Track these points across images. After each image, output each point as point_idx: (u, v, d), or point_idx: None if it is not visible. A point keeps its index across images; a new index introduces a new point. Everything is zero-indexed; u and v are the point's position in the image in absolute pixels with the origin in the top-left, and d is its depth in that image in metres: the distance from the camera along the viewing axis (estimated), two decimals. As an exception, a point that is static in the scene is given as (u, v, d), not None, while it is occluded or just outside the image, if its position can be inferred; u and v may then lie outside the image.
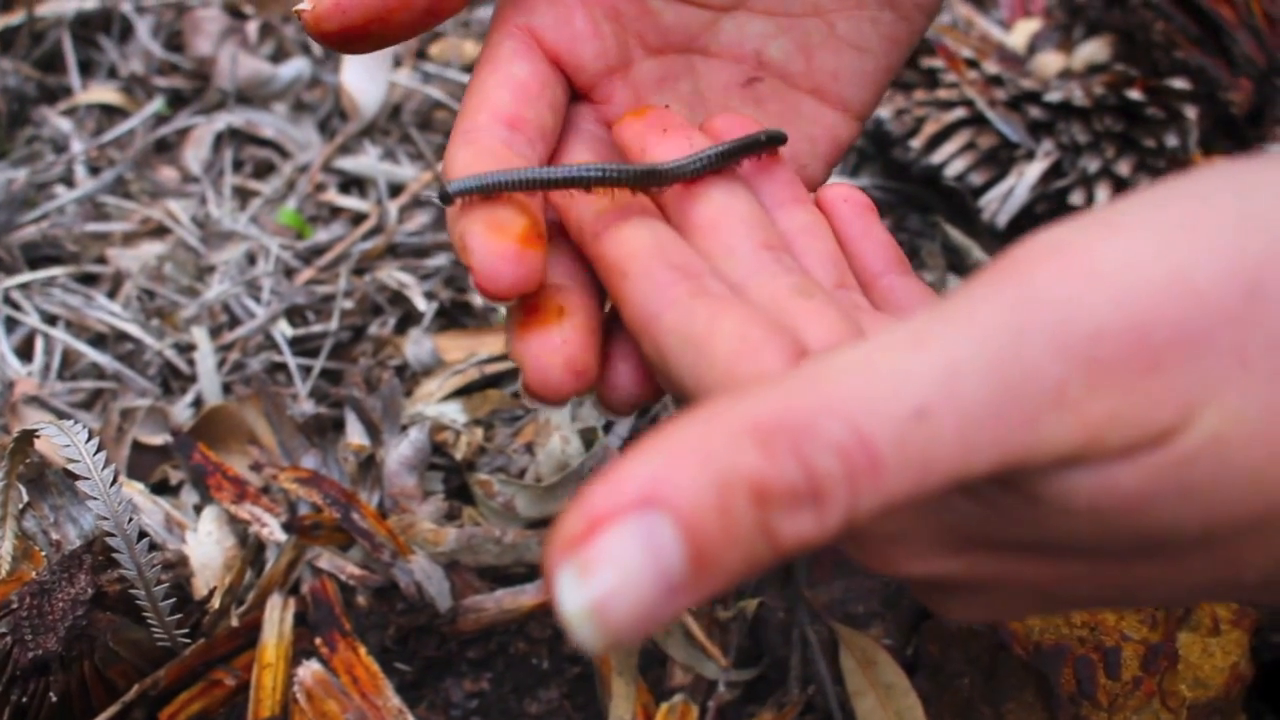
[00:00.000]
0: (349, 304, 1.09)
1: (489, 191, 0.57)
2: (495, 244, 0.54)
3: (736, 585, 0.47)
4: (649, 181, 0.59)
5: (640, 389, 0.58)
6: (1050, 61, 1.21)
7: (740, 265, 0.55)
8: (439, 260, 1.13)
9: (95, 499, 0.76)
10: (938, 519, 0.45)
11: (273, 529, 0.88)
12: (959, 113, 1.10)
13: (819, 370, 0.40)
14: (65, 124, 1.25)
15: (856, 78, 0.70)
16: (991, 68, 1.13)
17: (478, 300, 1.09)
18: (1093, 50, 1.21)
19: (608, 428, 0.98)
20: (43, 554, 0.80)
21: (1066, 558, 0.45)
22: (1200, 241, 0.40)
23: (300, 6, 0.59)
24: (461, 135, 0.61)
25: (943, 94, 1.12)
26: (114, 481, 0.76)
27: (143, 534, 0.77)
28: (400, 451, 0.91)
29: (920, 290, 0.61)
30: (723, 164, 0.60)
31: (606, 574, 0.35)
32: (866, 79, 0.70)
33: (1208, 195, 0.41)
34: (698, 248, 0.56)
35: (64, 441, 0.77)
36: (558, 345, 0.55)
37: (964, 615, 0.50)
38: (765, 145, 0.62)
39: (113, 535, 0.75)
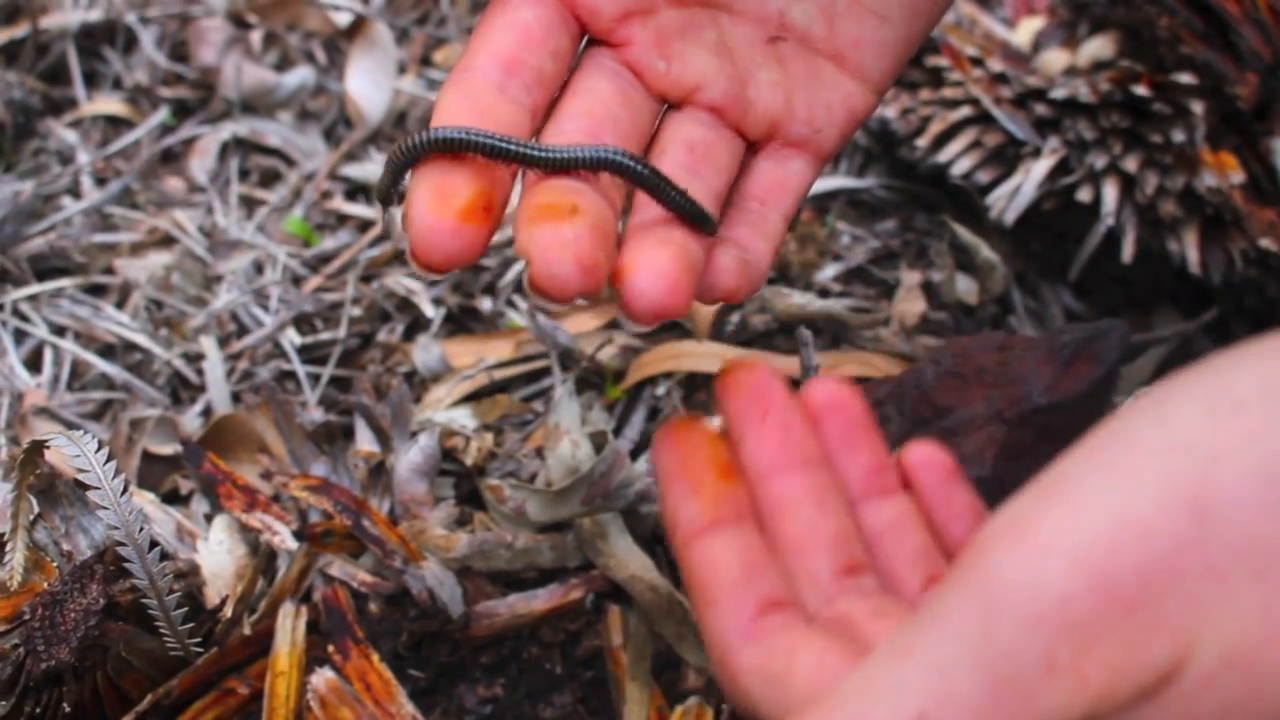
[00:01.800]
0: (357, 311, 1.09)
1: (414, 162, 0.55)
2: (434, 216, 0.53)
3: None
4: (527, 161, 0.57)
5: (666, 298, 0.56)
6: (1055, 59, 1.21)
7: (821, 592, 0.55)
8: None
9: (106, 509, 0.76)
10: None
11: (284, 537, 0.88)
12: (965, 111, 1.10)
13: (834, 696, 0.43)
14: (71, 136, 1.25)
15: (877, 47, 0.68)
16: (996, 65, 1.13)
17: (486, 305, 1.09)
18: (1098, 47, 1.21)
19: (618, 431, 0.98)
20: (54, 565, 0.80)
21: None
22: (1134, 481, 0.41)
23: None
24: (456, 74, 0.60)
25: (948, 92, 1.12)
26: (124, 491, 0.76)
27: (154, 543, 0.76)
28: (410, 458, 0.91)
29: None
30: (645, 184, 0.59)
31: None
32: (887, 49, 0.69)
33: (1135, 434, 0.43)
34: (780, 562, 0.55)
35: (74, 452, 0.77)
36: (568, 239, 0.54)
37: None
38: (690, 214, 0.60)
39: (124, 545, 0.75)
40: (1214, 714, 0.41)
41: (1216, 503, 0.40)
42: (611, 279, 0.56)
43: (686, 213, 0.60)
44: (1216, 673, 0.40)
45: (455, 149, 0.55)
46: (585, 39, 0.66)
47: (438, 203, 0.54)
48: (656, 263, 0.56)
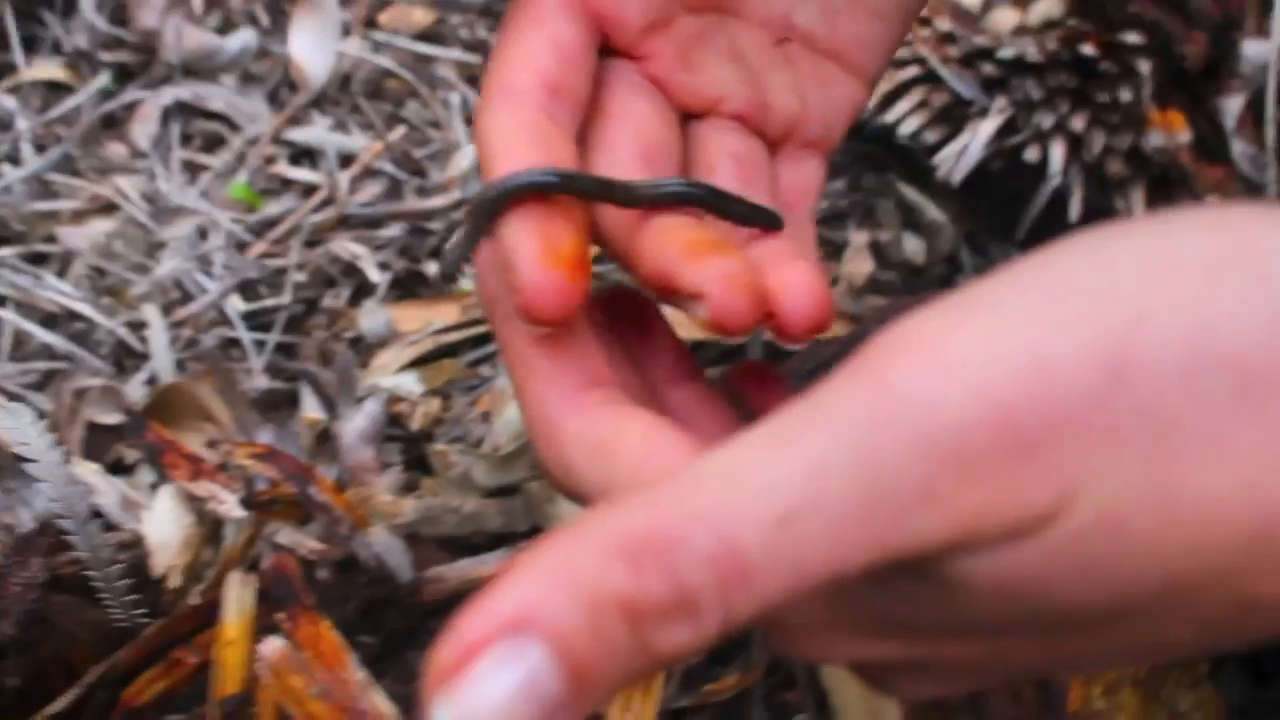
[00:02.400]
0: (302, 277, 1.08)
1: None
2: (546, 274, 0.52)
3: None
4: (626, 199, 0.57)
5: (820, 312, 0.56)
6: (1006, 18, 1.21)
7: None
8: (392, 231, 1.12)
9: (46, 481, 0.75)
10: (854, 608, 0.45)
11: (230, 506, 0.87)
12: (911, 71, 1.10)
13: (686, 479, 0.40)
14: (10, 102, 1.23)
15: (874, 45, 0.69)
16: (944, 25, 1.13)
17: (432, 270, 1.09)
18: (1048, 6, 1.20)
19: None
20: (-5, 537, 0.79)
21: (991, 637, 0.45)
22: (1058, 320, 0.40)
23: None
24: (501, 93, 0.59)
25: (896, 52, 1.11)
26: (65, 463, 0.76)
27: (97, 514, 0.76)
28: (356, 424, 0.91)
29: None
30: (726, 213, 0.60)
31: (480, 701, 0.35)
32: (881, 45, 0.69)
33: (1066, 272, 0.41)
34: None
35: (11, 424, 0.76)
36: (737, 272, 0.54)
37: (915, 693, 0.51)
38: (762, 220, 0.61)
39: (65, 517, 0.75)
40: (1073, 569, 0.40)
41: (1135, 365, 0.39)
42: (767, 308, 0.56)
43: (759, 221, 0.61)
44: (1086, 530, 0.39)
45: (552, 191, 0.54)
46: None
47: (547, 257, 0.53)
48: (802, 280, 0.56)
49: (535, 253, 0.53)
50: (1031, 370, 0.39)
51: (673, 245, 0.55)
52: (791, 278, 0.56)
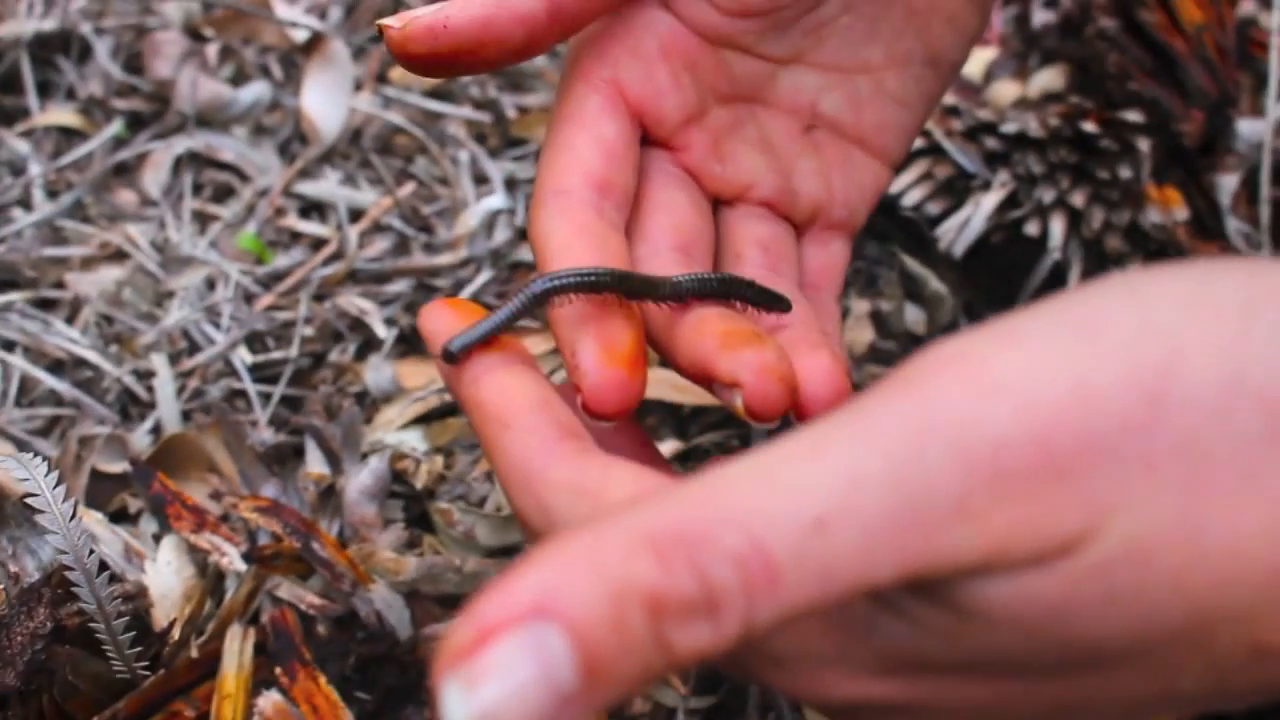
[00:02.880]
0: (309, 330, 1.09)
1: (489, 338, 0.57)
2: (608, 371, 0.56)
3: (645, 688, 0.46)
4: (652, 294, 0.59)
5: (836, 398, 0.59)
6: (1006, 90, 1.23)
7: None
8: (399, 286, 1.13)
9: (54, 532, 0.76)
10: (867, 640, 0.45)
11: (232, 558, 0.88)
12: (917, 143, 1.12)
13: (717, 480, 0.40)
14: (23, 146, 1.25)
15: (897, 131, 0.72)
16: (948, 99, 1.14)
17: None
18: (1048, 79, 1.22)
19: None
20: (1, 588, 0.80)
21: (999, 677, 0.45)
22: (1100, 351, 0.40)
23: (388, 22, 0.59)
24: (553, 195, 0.62)
25: (900, 124, 1.13)
26: (73, 515, 0.76)
27: (103, 566, 0.76)
28: (360, 480, 0.92)
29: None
30: (742, 297, 0.62)
31: (494, 685, 0.35)
32: (904, 132, 0.73)
33: (1107, 306, 0.42)
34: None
35: (22, 474, 0.77)
36: (772, 362, 0.56)
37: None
38: (771, 304, 0.63)
39: (72, 569, 0.75)
40: (1096, 598, 0.40)
41: (1173, 397, 0.39)
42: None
43: (769, 305, 0.63)
44: (1113, 559, 0.40)
45: (600, 290, 0.57)
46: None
47: (608, 356, 0.56)
48: (822, 368, 0.59)
49: (596, 352, 0.56)
50: (1072, 395, 0.40)
51: (710, 337, 0.58)
52: (815, 369, 0.58)
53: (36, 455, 0.78)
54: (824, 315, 0.69)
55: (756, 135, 0.71)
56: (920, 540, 0.39)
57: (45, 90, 1.31)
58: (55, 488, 0.76)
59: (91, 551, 0.76)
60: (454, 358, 0.56)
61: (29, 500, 0.77)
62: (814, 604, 0.39)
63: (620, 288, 0.58)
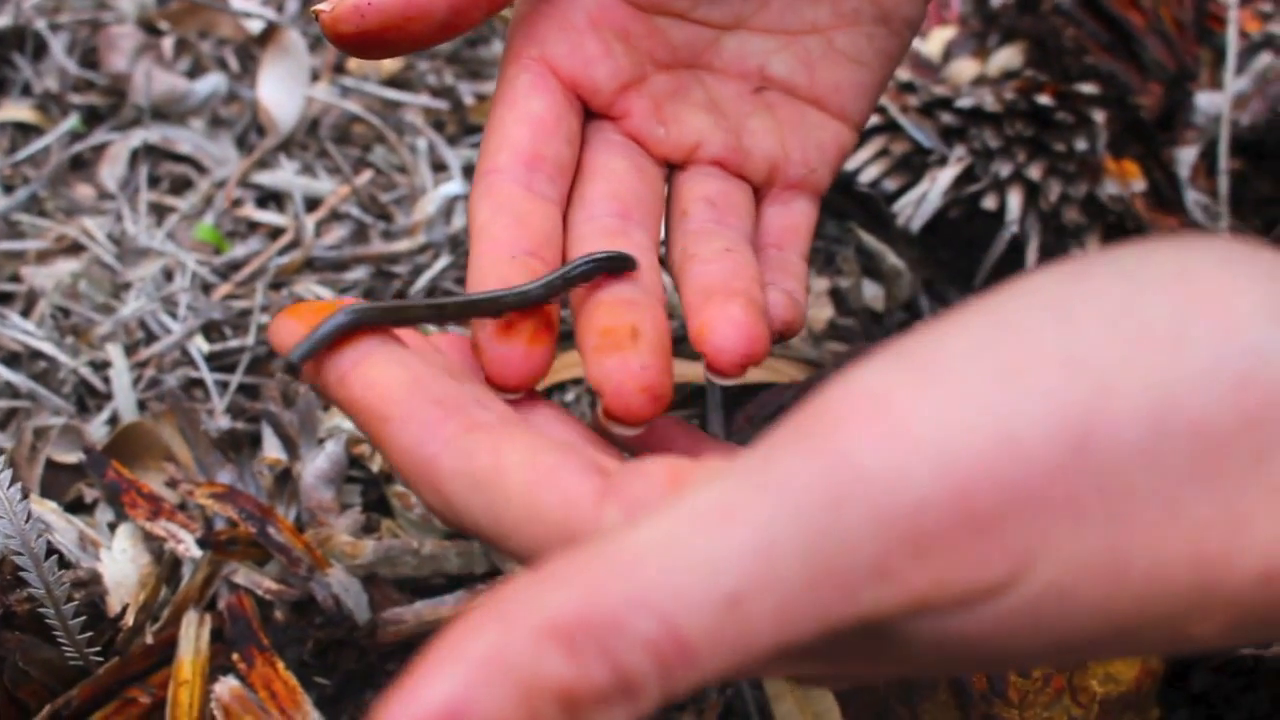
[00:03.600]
0: (266, 319, 1.09)
1: (333, 341, 0.54)
2: (503, 348, 0.57)
3: None
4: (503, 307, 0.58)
5: (747, 347, 0.58)
6: (965, 68, 1.23)
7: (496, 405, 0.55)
8: (357, 274, 1.12)
9: (2, 517, 0.75)
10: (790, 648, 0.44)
11: (188, 545, 0.87)
12: (873, 119, 1.11)
13: (623, 550, 0.37)
14: (-22, 142, 1.24)
15: (855, 89, 0.72)
16: (904, 74, 1.14)
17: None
18: (1007, 57, 1.22)
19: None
20: (-50, 575, 0.79)
21: (901, 666, 0.45)
22: (1023, 394, 0.39)
23: (319, 7, 0.60)
24: (483, 180, 0.63)
25: (856, 101, 1.13)
26: (22, 499, 0.76)
27: (53, 552, 0.76)
28: (317, 465, 0.91)
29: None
30: (582, 281, 0.61)
31: None
32: (863, 90, 0.72)
33: (1030, 332, 0.40)
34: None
35: (-31, 460, 0.76)
36: (636, 371, 0.56)
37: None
38: (617, 265, 0.62)
39: (20, 554, 0.75)
40: (1021, 630, 0.40)
41: (1099, 439, 0.38)
42: (693, 344, 0.58)
43: (606, 268, 0.61)
44: (1037, 598, 0.39)
45: (360, 328, 0.55)
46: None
47: (504, 336, 0.57)
48: (730, 316, 0.58)
49: (492, 333, 0.57)
50: (994, 447, 0.38)
51: (590, 335, 0.58)
52: (717, 317, 0.58)
53: (-16, 442, 0.77)
54: (789, 274, 0.68)
55: (703, 98, 0.71)
56: (837, 602, 0.38)
57: (1, 87, 1.30)
58: (1, 472, 0.76)
59: (40, 535, 0.75)
60: (296, 369, 0.54)
61: (-23, 487, 0.76)
62: (730, 672, 0.38)
63: (433, 317, 0.59)
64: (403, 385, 0.52)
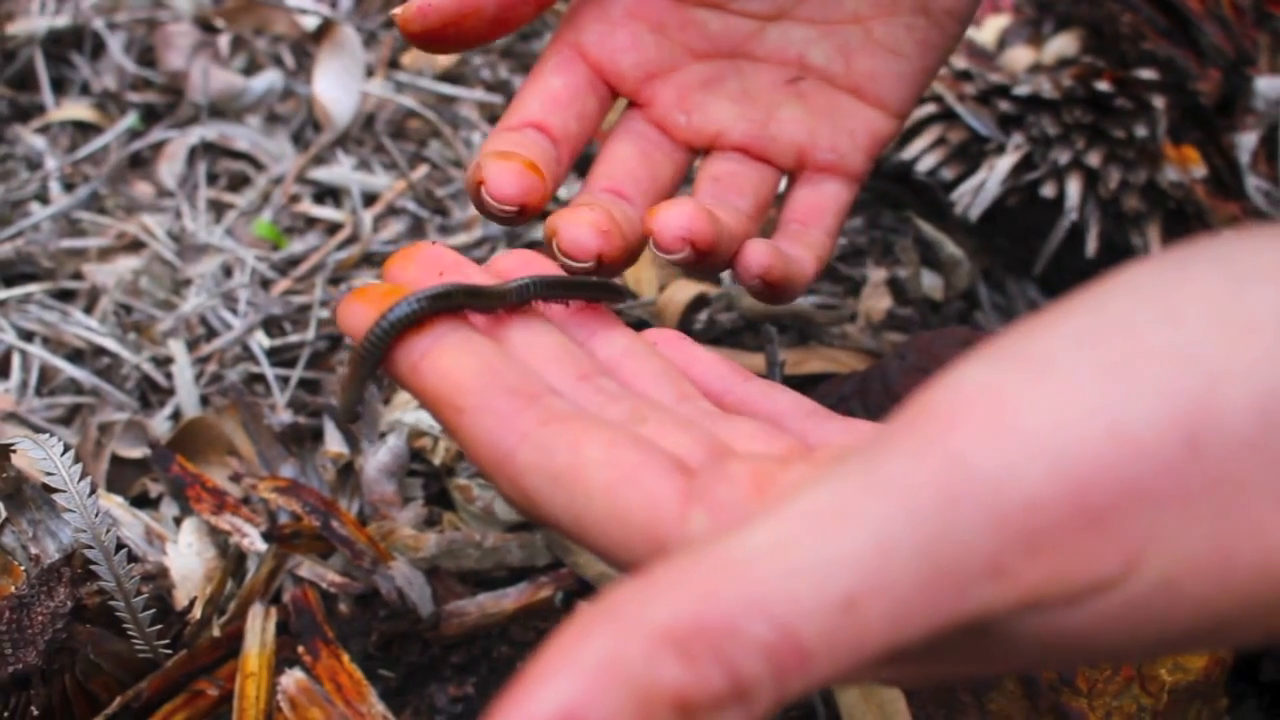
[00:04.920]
0: (325, 313, 1.09)
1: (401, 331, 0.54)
2: (503, 164, 0.65)
3: None
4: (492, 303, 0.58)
5: (690, 223, 0.64)
6: (1020, 56, 1.22)
7: (566, 393, 0.53)
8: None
9: (73, 512, 0.76)
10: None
11: (253, 539, 0.88)
12: (929, 108, 1.11)
13: (734, 553, 0.37)
14: (39, 141, 1.25)
15: (893, 79, 0.74)
16: (961, 63, 1.14)
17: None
18: (1062, 44, 1.21)
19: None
20: (21, 568, 0.80)
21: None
22: (1134, 389, 0.38)
23: (396, 11, 0.68)
24: (495, 136, 0.70)
25: (913, 90, 1.12)
26: (91, 494, 0.76)
27: (121, 546, 0.76)
28: (379, 458, 0.92)
29: (768, 391, 0.60)
30: (563, 294, 0.61)
31: None
32: (903, 80, 0.75)
33: (1135, 326, 0.40)
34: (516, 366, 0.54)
35: (40, 455, 0.77)
36: (588, 215, 0.64)
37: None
38: (602, 292, 0.63)
39: (91, 548, 0.75)
40: (1124, 627, 0.40)
41: (1209, 433, 0.38)
42: (646, 230, 0.65)
43: (599, 295, 0.63)
44: (1145, 596, 0.39)
45: (425, 315, 0.54)
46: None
47: (503, 158, 0.66)
48: (681, 205, 0.65)
49: (493, 156, 0.65)
50: (1108, 442, 0.38)
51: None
52: (667, 205, 0.65)
53: (53, 437, 0.78)
54: (804, 242, 0.73)
55: (737, 88, 0.75)
56: (951, 600, 0.38)
57: (60, 86, 1.32)
58: (72, 467, 0.77)
59: (109, 529, 0.76)
60: (355, 416, 0.56)
61: (48, 482, 0.77)
62: (843, 674, 0.37)
63: (468, 302, 0.57)
64: (476, 374, 0.51)
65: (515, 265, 0.62)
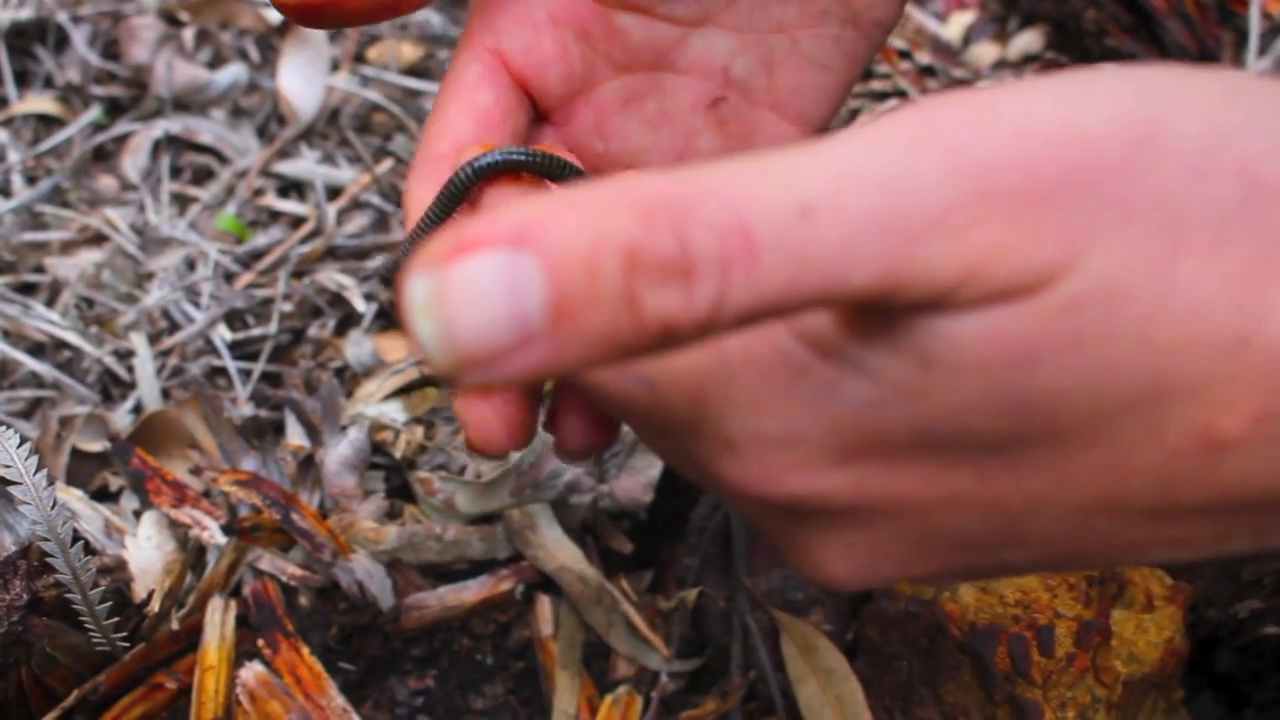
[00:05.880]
0: (288, 307, 1.09)
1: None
2: (489, 423, 0.58)
3: (607, 360, 0.43)
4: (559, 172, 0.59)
5: (591, 438, 0.60)
6: (985, 52, 1.22)
7: None
8: (378, 262, 1.13)
9: (29, 504, 0.76)
10: (821, 413, 0.45)
11: (213, 532, 0.88)
12: (892, 104, 1.11)
13: (712, 167, 0.40)
14: (1, 134, 1.25)
15: (816, 94, 0.71)
16: (924, 58, 1.14)
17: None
18: (1027, 41, 1.22)
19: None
20: (-23, 561, 0.80)
21: (953, 463, 0.45)
22: (1093, 99, 0.41)
23: None
24: (421, 167, 0.63)
25: (876, 85, 1.13)
26: (48, 486, 0.76)
27: (79, 539, 0.76)
28: (339, 451, 0.92)
29: None
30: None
31: (461, 293, 0.36)
32: (826, 95, 0.71)
33: (1105, 75, 0.42)
34: None
35: (-4, 448, 0.77)
36: (498, 407, 0.57)
37: (844, 571, 0.49)
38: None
39: (47, 540, 0.75)
40: (1064, 341, 0.41)
41: (1157, 148, 0.40)
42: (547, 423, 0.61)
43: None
44: (1083, 298, 0.40)
45: (508, 170, 0.57)
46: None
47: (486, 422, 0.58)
48: (581, 409, 0.60)
49: (476, 421, 0.58)
50: (1062, 130, 0.40)
51: None
52: (568, 410, 0.60)
53: (10, 429, 0.78)
54: None
55: (655, 110, 0.70)
56: (899, 247, 0.39)
57: (23, 79, 1.31)
58: (28, 459, 0.76)
59: (66, 522, 0.76)
60: (390, 281, 0.57)
61: (4, 475, 0.76)
62: (785, 295, 0.39)
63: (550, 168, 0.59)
64: None
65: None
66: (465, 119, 0.64)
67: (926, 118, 0.41)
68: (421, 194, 0.61)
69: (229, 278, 1.13)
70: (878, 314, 0.42)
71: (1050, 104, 0.41)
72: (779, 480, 0.47)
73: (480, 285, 0.36)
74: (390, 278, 0.60)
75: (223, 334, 1.07)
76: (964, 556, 0.50)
